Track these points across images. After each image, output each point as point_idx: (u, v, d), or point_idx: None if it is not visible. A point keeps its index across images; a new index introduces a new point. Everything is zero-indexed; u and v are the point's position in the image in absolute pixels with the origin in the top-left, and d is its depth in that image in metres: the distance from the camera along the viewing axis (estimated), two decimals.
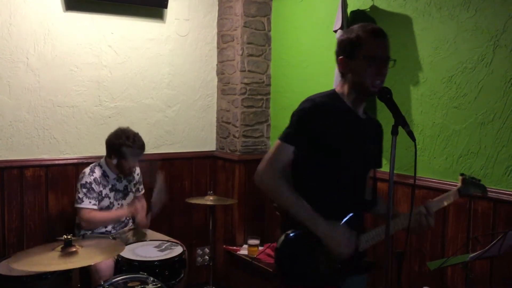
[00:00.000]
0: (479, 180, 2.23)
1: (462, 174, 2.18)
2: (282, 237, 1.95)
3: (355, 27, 1.95)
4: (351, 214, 1.97)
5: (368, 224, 2.12)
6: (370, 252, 2.07)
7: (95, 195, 3.26)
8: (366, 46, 1.89)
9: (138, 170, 3.59)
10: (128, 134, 3.31)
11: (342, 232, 1.91)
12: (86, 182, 3.25)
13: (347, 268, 1.95)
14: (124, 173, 3.37)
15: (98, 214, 3.26)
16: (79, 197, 3.24)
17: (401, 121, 1.71)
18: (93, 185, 3.26)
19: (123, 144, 3.25)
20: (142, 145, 3.35)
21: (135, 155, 3.31)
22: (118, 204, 3.40)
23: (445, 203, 2.12)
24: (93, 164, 3.39)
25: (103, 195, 3.32)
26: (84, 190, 3.23)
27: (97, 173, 3.32)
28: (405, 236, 2.37)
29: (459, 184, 2.16)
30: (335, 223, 1.92)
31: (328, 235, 1.89)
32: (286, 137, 1.95)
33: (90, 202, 3.23)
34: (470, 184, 2.19)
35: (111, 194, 3.36)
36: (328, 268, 1.92)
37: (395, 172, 2.22)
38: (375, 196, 2.11)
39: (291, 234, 1.94)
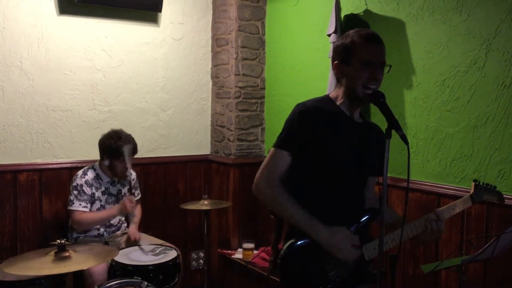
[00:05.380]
0: (495, 187, 2.13)
1: (475, 180, 2.10)
2: (287, 245, 1.93)
3: (351, 32, 1.95)
4: (355, 225, 1.96)
5: (375, 232, 2.09)
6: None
7: (85, 197, 3.25)
8: (360, 51, 1.88)
9: (134, 175, 3.58)
10: (120, 134, 3.32)
11: (344, 237, 1.89)
12: (77, 184, 3.25)
13: (355, 277, 1.93)
14: (116, 174, 3.35)
15: (88, 215, 3.25)
16: (70, 199, 3.25)
17: (394, 124, 1.71)
18: (84, 188, 3.25)
19: (114, 144, 3.25)
20: (133, 145, 3.34)
21: (127, 154, 3.28)
22: (110, 208, 3.38)
23: (457, 210, 2.03)
24: (86, 166, 3.39)
25: (95, 198, 3.31)
26: (75, 192, 3.23)
27: (90, 175, 3.31)
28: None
29: (471, 190, 2.07)
30: (336, 228, 1.90)
31: (330, 242, 1.87)
32: (279, 143, 1.95)
33: (80, 205, 3.22)
34: (484, 190, 2.08)
35: (103, 198, 3.35)
36: (336, 278, 1.91)
37: (388, 175, 2.22)
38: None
39: (297, 243, 1.92)
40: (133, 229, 3.39)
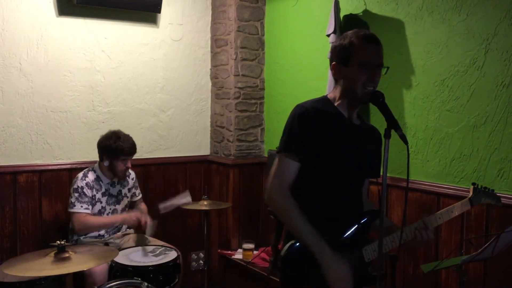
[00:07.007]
0: (493, 190, 2.14)
1: (473, 184, 2.11)
2: (287, 246, 1.93)
3: (349, 33, 1.95)
4: (355, 226, 1.96)
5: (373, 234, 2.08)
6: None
7: (87, 199, 3.25)
8: (358, 52, 1.89)
9: (133, 174, 3.58)
10: (118, 134, 3.34)
11: (343, 269, 1.87)
12: (78, 186, 3.25)
13: (354, 278, 1.92)
14: (117, 174, 3.36)
15: (91, 218, 3.25)
16: (71, 202, 3.24)
17: (393, 124, 1.71)
18: (85, 190, 3.25)
19: (113, 143, 3.27)
20: (132, 144, 3.36)
21: (126, 153, 3.31)
22: (110, 209, 3.39)
23: (456, 213, 2.04)
24: (86, 169, 3.39)
25: (96, 199, 3.31)
26: (76, 194, 3.23)
27: (90, 177, 3.31)
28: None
29: (470, 193, 2.09)
30: (340, 258, 1.88)
31: (330, 267, 1.86)
32: (282, 149, 1.95)
33: (81, 207, 3.22)
34: (482, 193, 2.10)
35: (104, 199, 3.35)
36: None
37: (388, 175, 2.23)
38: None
39: (297, 244, 1.92)
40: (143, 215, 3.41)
